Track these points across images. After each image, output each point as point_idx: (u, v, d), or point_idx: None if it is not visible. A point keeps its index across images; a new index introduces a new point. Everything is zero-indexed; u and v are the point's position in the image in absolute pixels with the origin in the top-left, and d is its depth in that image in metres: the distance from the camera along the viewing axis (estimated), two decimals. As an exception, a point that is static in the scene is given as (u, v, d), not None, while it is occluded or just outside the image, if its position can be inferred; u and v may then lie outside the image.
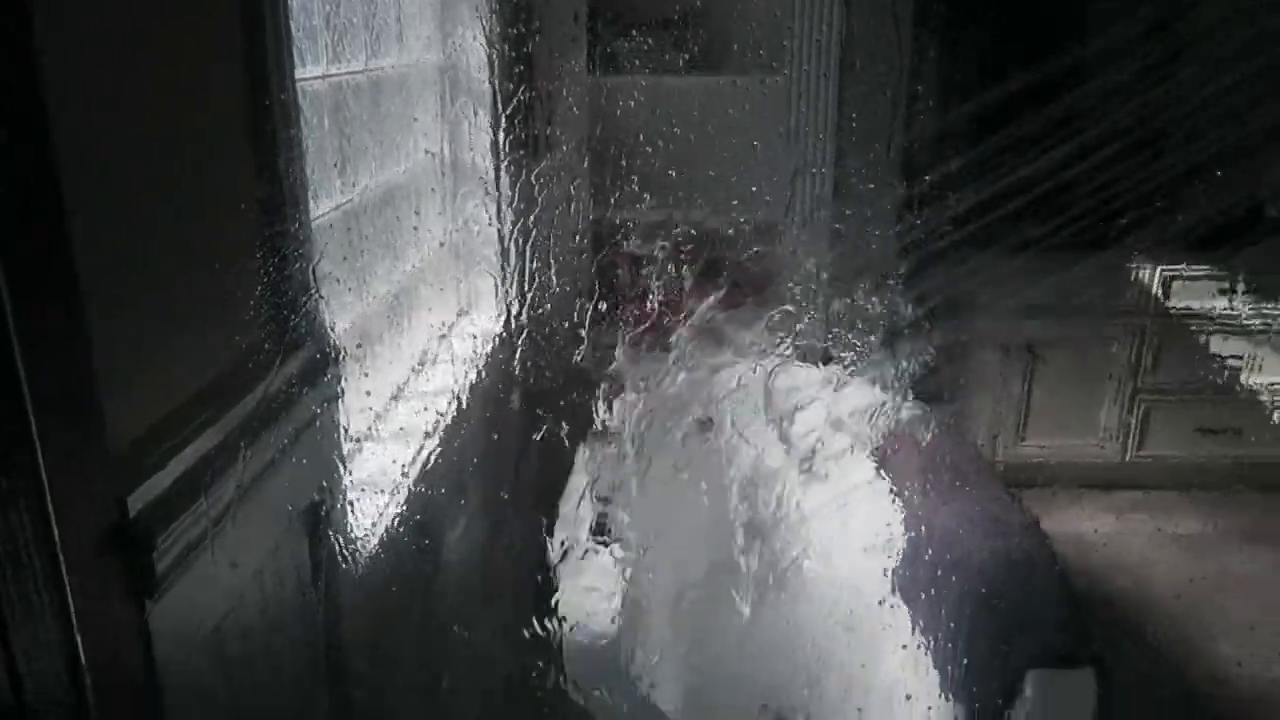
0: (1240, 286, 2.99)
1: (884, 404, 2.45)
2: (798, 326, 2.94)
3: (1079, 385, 3.11)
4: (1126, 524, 2.95)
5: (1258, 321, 3.02)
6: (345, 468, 1.45)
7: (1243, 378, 3.08)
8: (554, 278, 2.74)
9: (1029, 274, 3.08)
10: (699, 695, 1.99)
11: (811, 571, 2.33)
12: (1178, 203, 3.14)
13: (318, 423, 1.28)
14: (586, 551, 1.87)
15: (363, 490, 1.70)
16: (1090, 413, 3.12)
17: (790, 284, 2.98)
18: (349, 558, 1.45)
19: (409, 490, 1.74)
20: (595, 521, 1.92)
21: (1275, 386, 3.09)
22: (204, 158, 1.08)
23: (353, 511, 1.51)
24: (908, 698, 1.75)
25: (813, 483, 2.35)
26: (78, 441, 0.78)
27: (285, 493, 1.17)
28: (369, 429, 1.90)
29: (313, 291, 1.32)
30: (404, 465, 1.80)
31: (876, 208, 2.94)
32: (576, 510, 2.02)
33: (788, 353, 2.89)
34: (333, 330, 1.44)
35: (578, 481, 2.13)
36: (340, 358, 1.39)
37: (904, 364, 2.75)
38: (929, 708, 1.69)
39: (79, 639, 0.77)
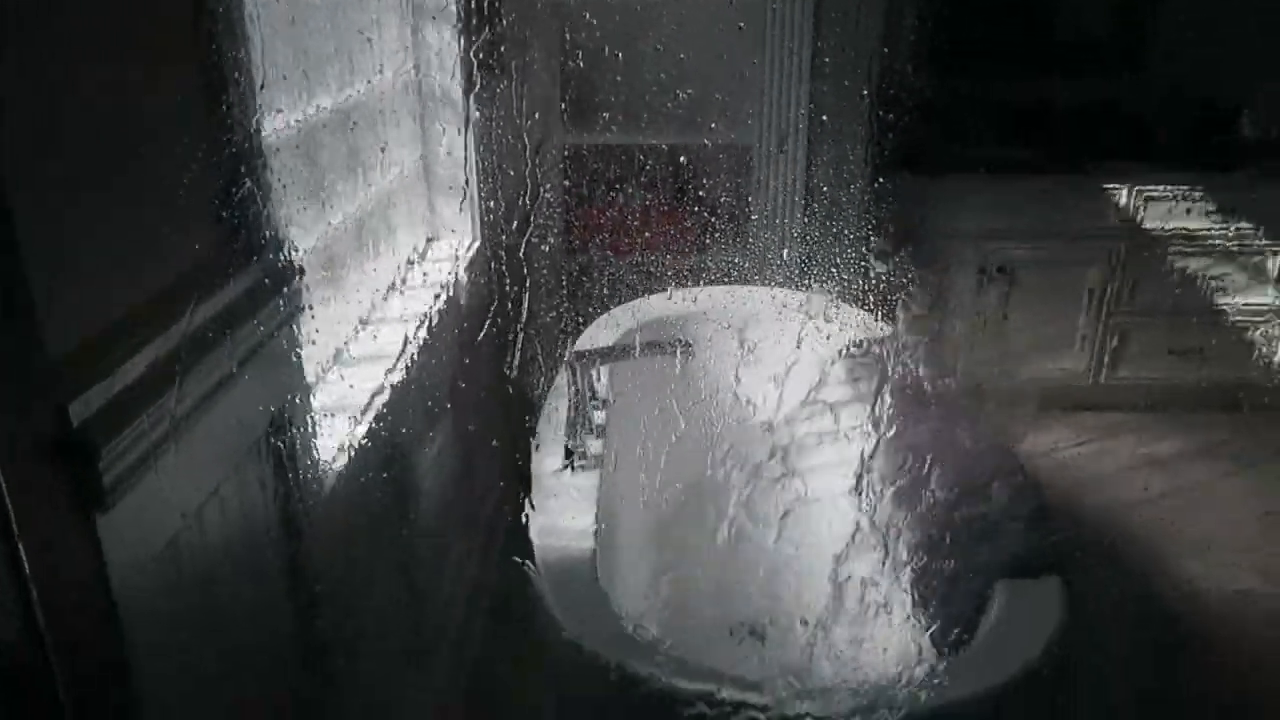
0: (1214, 207, 2.98)
1: (860, 326, 2.44)
2: (774, 249, 2.91)
3: (1055, 308, 3.11)
4: (1101, 444, 2.98)
5: (1232, 243, 3.02)
6: (308, 388, 1.42)
7: (1216, 299, 3.09)
8: (526, 201, 2.69)
9: (1004, 196, 3.06)
10: (677, 614, 2.00)
11: (789, 492, 2.34)
12: (1153, 122, 3.12)
13: (277, 340, 1.24)
14: (563, 474, 1.86)
15: (330, 412, 1.67)
16: (1066, 335, 3.13)
17: (766, 206, 2.95)
18: (314, 479, 1.43)
19: (378, 414, 1.72)
20: (572, 445, 1.91)
21: (1247, 307, 3.10)
22: (147, 59, 1.02)
23: (319, 432, 1.48)
24: (882, 608, 1.77)
25: (787, 407, 2.35)
26: (11, 346, 0.75)
27: (244, 409, 1.14)
28: (336, 351, 1.87)
29: (266, 207, 1.27)
30: (373, 390, 1.78)
31: (851, 129, 2.89)
32: (554, 433, 2.01)
33: (765, 276, 2.87)
34: (291, 248, 1.40)
35: (555, 404, 2.11)
36: (298, 276, 1.35)
37: (879, 287, 2.74)
38: (903, 618, 1.71)
39: (21, 550, 0.74)
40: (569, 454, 1.88)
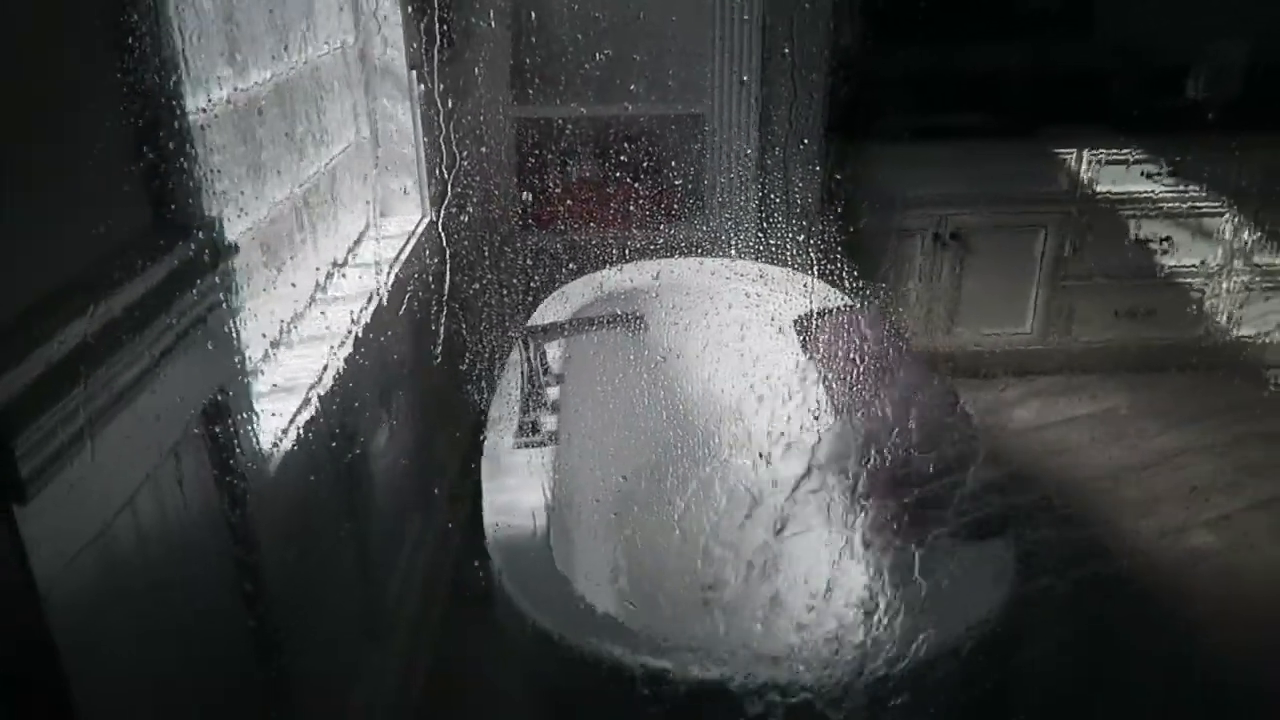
0: (1161, 169, 3.01)
1: (814, 294, 2.44)
2: (728, 220, 2.89)
3: (1007, 273, 3.14)
4: (1053, 406, 3.02)
5: (1179, 205, 3.06)
6: (247, 371, 1.38)
7: (1164, 260, 3.13)
8: (475, 175, 2.65)
9: (957, 162, 3.07)
10: (638, 586, 2.00)
11: (743, 462, 2.34)
12: (1102, 85, 3.13)
13: (210, 323, 1.21)
14: (516, 450, 1.84)
15: (274, 395, 1.64)
16: (1018, 300, 3.16)
17: (720, 177, 2.93)
18: (257, 464, 1.39)
19: (324, 395, 1.69)
20: (527, 421, 1.89)
21: (1193, 268, 3.15)
22: (52, 27, 0.97)
23: (262, 416, 1.45)
24: (837, 571, 1.78)
25: (744, 375, 2.35)
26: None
27: (175, 394, 1.10)
28: (281, 332, 1.82)
29: (193, 185, 1.23)
30: (318, 370, 1.74)
31: (804, 97, 2.88)
32: (508, 410, 1.98)
33: (721, 247, 2.86)
34: (223, 227, 1.35)
35: (510, 381, 2.08)
36: (231, 256, 1.31)
37: (833, 255, 2.73)
38: (859, 582, 1.72)
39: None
40: (522, 430, 1.85)
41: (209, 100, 1.54)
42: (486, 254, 2.64)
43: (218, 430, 1.24)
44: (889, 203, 2.99)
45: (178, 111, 1.21)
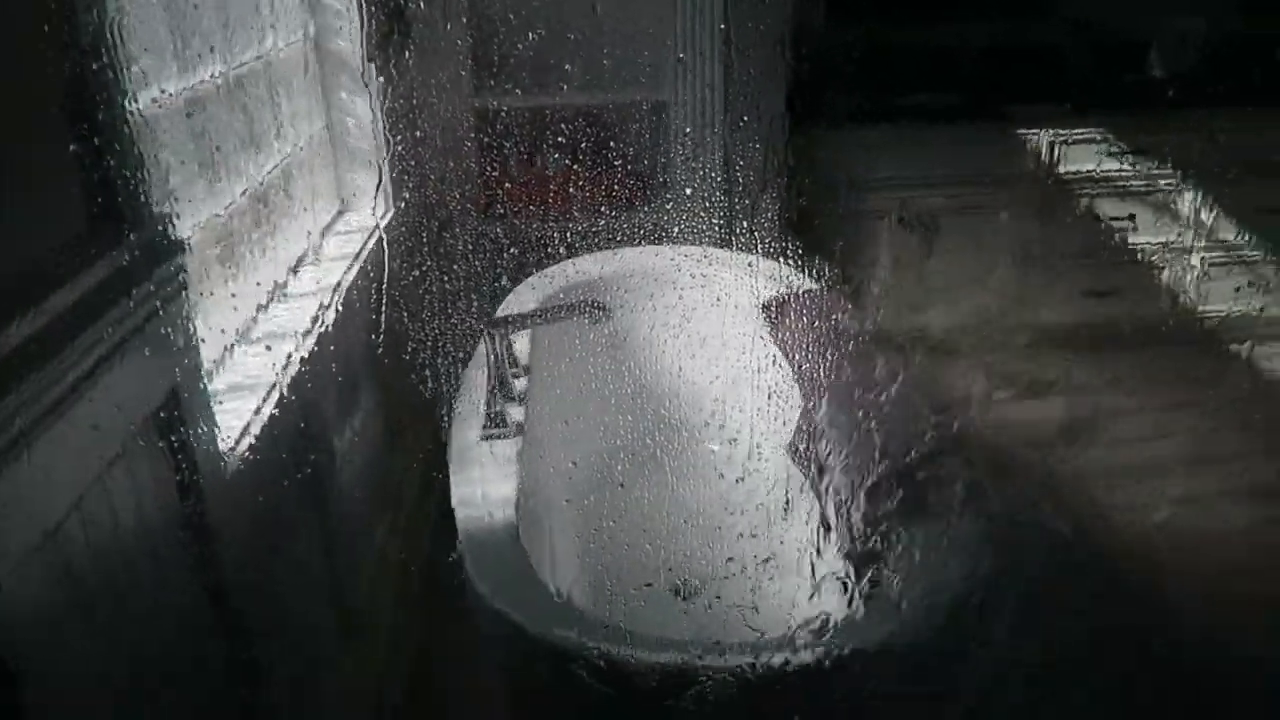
0: (1125, 148, 3.04)
1: (782, 280, 2.44)
2: (693, 206, 2.88)
3: (975, 254, 3.14)
4: (1019, 385, 3.04)
5: (1143, 183, 3.08)
6: (203, 369, 1.36)
7: (1129, 239, 3.16)
8: (437, 167, 2.63)
9: (924, 145, 3.07)
10: (605, 576, 2.00)
11: (710, 448, 2.34)
12: (1064, 65, 3.14)
13: (161, 320, 1.19)
14: (483, 443, 1.83)
15: (232, 394, 1.62)
16: (985, 280, 3.17)
17: (684, 161, 2.92)
18: (217, 463, 1.38)
19: (286, 393, 1.67)
20: (493, 413, 1.88)
21: (1159, 246, 3.18)
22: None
23: (217, 416, 1.43)
24: (807, 557, 1.78)
25: (711, 363, 2.35)
26: None
27: (124, 393, 1.08)
28: (240, 329, 1.80)
29: (142, 180, 1.20)
30: (279, 367, 1.72)
31: (768, 81, 2.87)
32: (474, 404, 1.97)
33: (688, 234, 2.85)
34: (174, 224, 1.33)
35: (476, 373, 2.07)
36: (183, 252, 1.29)
37: (800, 240, 2.73)
38: (824, 567, 1.72)
39: None
40: (489, 422, 1.84)
41: (156, 95, 1.52)
42: (452, 246, 2.62)
43: (171, 432, 1.22)
44: (854, 186, 3.00)
45: (118, 107, 1.19)
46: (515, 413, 1.91)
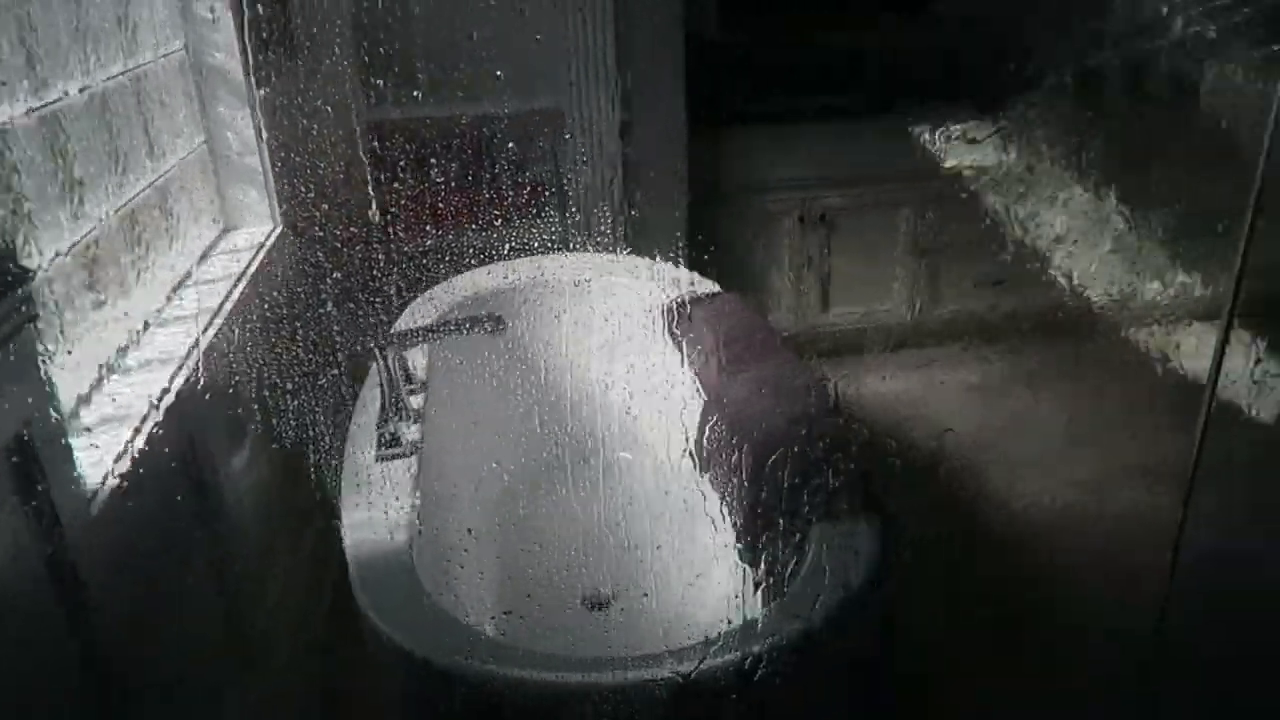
0: (1007, 141, 3.12)
1: (682, 283, 2.43)
2: (593, 214, 2.86)
3: (873, 251, 3.20)
4: (923, 378, 3.10)
5: (1027, 174, 3.17)
6: (57, 403, 1.28)
7: (1016, 230, 3.25)
8: (325, 181, 2.55)
9: (819, 144, 3.11)
10: (510, 595, 1.96)
11: (613, 456, 2.32)
12: (949, 63, 3.22)
13: (7, 354, 1.11)
14: (378, 464, 1.77)
15: (104, 426, 1.53)
16: (884, 277, 3.22)
17: (583, 168, 2.89)
18: (80, 504, 1.29)
19: (162, 420, 1.58)
20: (386, 433, 1.82)
21: (1045, 236, 3.27)
22: None
23: (82, 452, 1.35)
24: (713, 562, 1.77)
25: (617, 368, 2.33)
26: None
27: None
28: (111, 358, 1.71)
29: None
30: (155, 396, 1.64)
31: (663, 85, 2.87)
32: (368, 424, 1.91)
33: (587, 241, 2.82)
34: (28, 248, 1.25)
35: (370, 394, 2.01)
36: (34, 276, 1.21)
37: (699, 243, 2.74)
38: (731, 569, 1.71)
39: None
40: (382, 443, 1.79)
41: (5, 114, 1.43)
42: (343, 262, 2.54)
43: (22, 474, 1.14)
44: (752, 188, 3.02)
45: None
46: (412, 431, 1.85)
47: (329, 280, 2.35)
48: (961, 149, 3.17)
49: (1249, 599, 1.84)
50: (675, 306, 2.28)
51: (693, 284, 2.41)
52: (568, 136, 2.86)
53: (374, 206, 2.82)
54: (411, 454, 1.78)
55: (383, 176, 2.89)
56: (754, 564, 1.66)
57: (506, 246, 2.67)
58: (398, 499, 1.62)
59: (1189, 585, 2.26)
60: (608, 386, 2.27)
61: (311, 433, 1.92)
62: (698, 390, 2.09)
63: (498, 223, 2.84)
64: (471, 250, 2.68)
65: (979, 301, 3.30)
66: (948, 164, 3.16)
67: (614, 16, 2.78)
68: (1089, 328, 3.41)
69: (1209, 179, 3.17)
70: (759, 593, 1.65)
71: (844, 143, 3.09)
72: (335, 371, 2.05)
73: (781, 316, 3.20)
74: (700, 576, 1.88)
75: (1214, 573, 2.13)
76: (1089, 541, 2.36)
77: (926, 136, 3.14)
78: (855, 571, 1.49)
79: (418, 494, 1.71)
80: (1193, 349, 3.30)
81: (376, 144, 2.82)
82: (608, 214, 2.81)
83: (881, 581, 1.50)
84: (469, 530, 2.00)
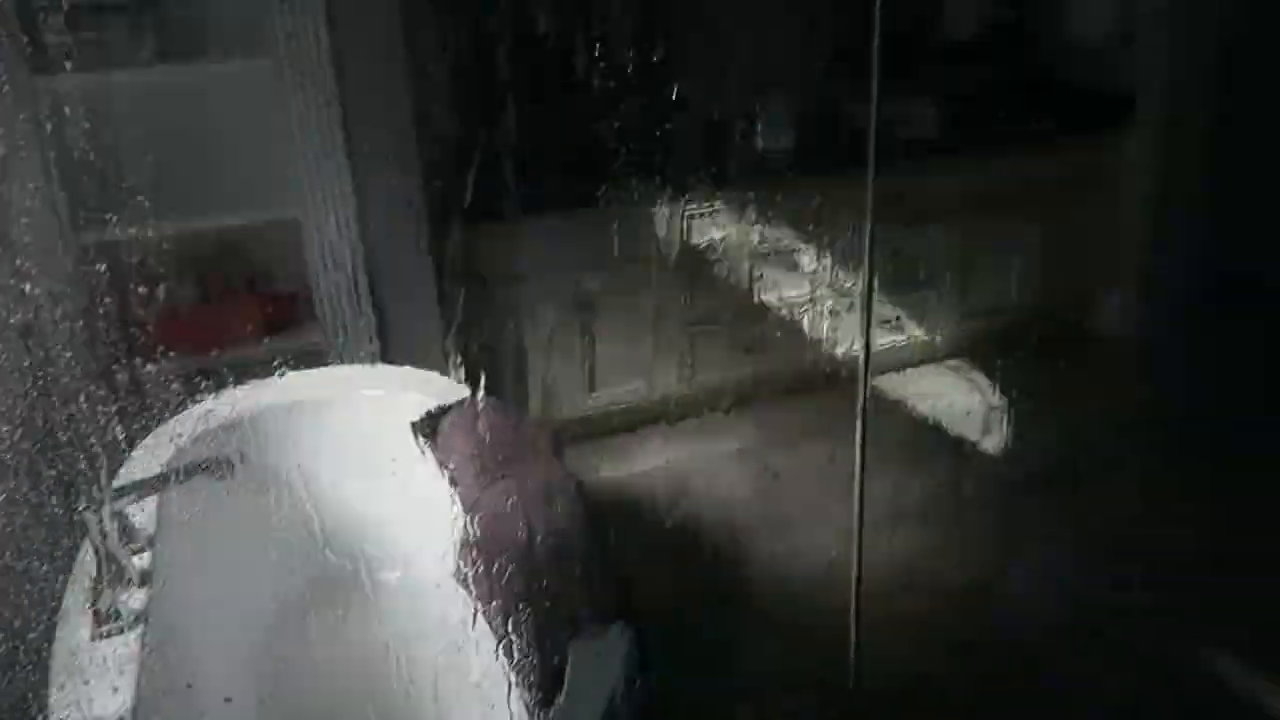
0: (746, 215, 3.32)
1: (437, 390, 2.38)
2: (340, 325, 2.77)
3: (634, 329, 3.28)
4: (691, 450, 3.19)
5: (763, 245, 3.38)
6: None
7: (765, 297, 3.44)
8: (37, 312, 2.33)
9: (569, 231, 3.17)
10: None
11: (388, 577, 2.23)
12: (685, 147, 3.38)
13: None
14: (95, 644, 1.59)
15: None
16: (647, 353, 3.31)
17: (326, 278, 2.80)
18: None
19: None
20: (105, 606, 1.64)
21: (791, 300, 3.49)
22: None
23: None
24: (477, 686, 1.71)
25: (374, 488, 2.24)
26: None
27: None
28: None
29: None
30: None
31: (401, 185, 2.83)
32: (84, 596, 1.72)
33: (334, 354, 2.73)
34: None
35: (87, 560, 1.82)
36: None
37: (456, 344, 2.71)
38: (496, 692, 1.67)
39: None
40: (100, 618, 1.61)
41: None
42: (59, 406, 2.32)
43: None
44: (504, 281, 3.03)
45: None
46: (137, 598, 1.69)
47: (36, 429, 2.12)
48: (708, 225, 3.34)
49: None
50: (427, 417, 2.22)
51: (447, 389, 2.37)
52: (308, 246, 2.76)
53: (95, 337, 2.60)
54: (135, 626, 1.62)
55: (105, 303, 2.68)
56: (522, 684, 1.62)
57: (250, 367, 2.52)
58: (115, 686, 1.46)
59: (942, 624, 2.43)
60: (364, 508, 2.18)
61: (15, 623, 1.71)
62: (456, 503, 2.05)
63: (239, 342, 2.69)
64: (211, 375, 2.51)
65: (738, 369, 3.45)
66: (695, 241, 3.31)
67: (341, 119, 2.73)
68: (838, 383, 3.65)
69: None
70: (534, 710, 1.61)
71: (598, 227, 3.16)
72: (45, 540, 1.85)
73: (548, 405, 3.20)
74: (473, 697, 1.82)
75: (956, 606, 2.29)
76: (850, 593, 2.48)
77: (673, 216, 3.27)
78: (615, 684, 1.48)
79: (145, 667, 1.55)
80: (925, 391, 3.60)
81: (95, 267, 2.61)
82: (355, 323, 2.73)
83: (641, 688, 1.50)
84: (226, 699, 1.84)
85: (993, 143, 3.65)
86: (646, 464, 3.16)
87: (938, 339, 3.76)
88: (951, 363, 3.78)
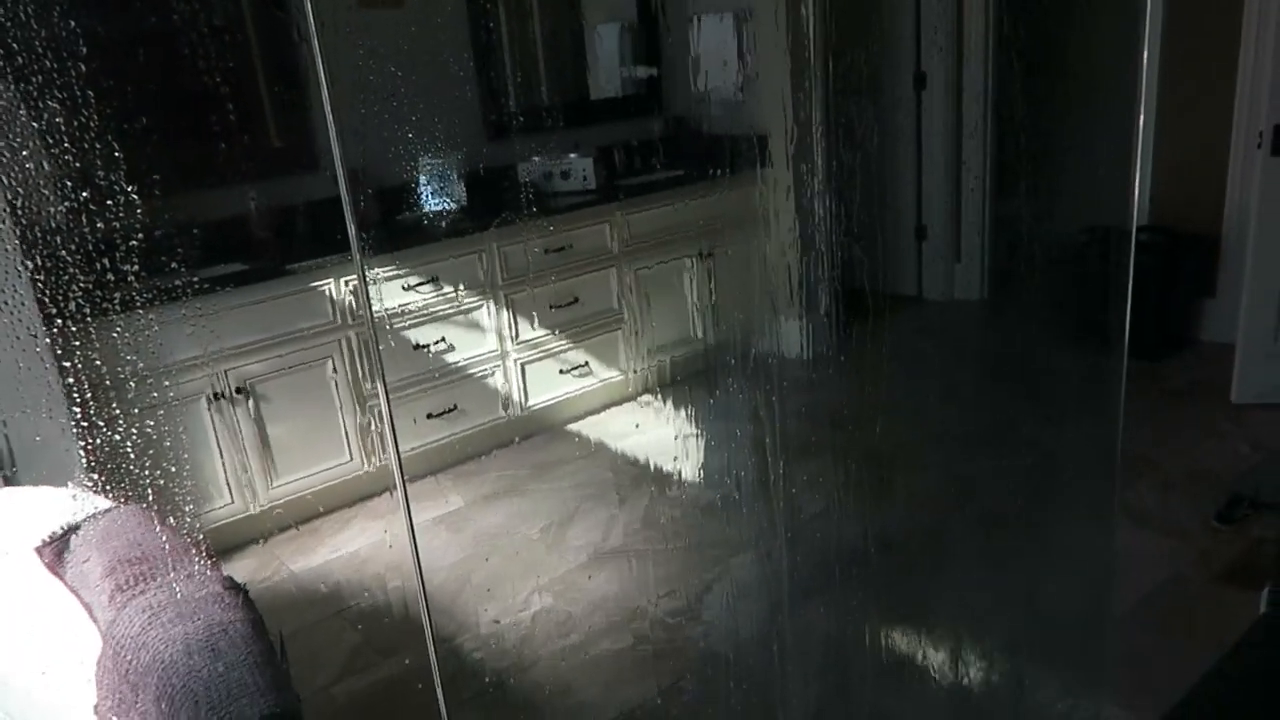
0: (421, 279, 3.25)
1: (64, 508, 2.09)
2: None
3: (307, 410, 3.09)
4: (392, 524, 3.04)
5: (447, 308, 3.32)
6: None
7: (452, 358, 3.38)
8: None
9: (222, 315, 2.94)
10: None
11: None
12: (340, 216, 3.26)
13: None
14: None
15: None
16: (326, 432, 3.13)
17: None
18: None
19: None
20: None
21: (480, 357, 3.46)
22: None
23: None
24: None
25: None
26: None
27: None
28: None
29: None
30: None
31: (10, 284, 2.50)
32: None
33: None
34: None
35: None
36: None
37: (98, 451, 2.42)
38: None
39: None
40: None
41: None
42: None
43: None
44: (151, 374, 2.74)
45: None
46: None
47: None
48: (395, 292, 3.23)
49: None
50: (52, 538, 1.94)
51: (79, 506, 2.08)
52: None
53: None
54: None
55: None
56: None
57: None
58: None
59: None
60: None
61: None
62: (92, 630, 1.79)
63: None
64: None
65: (434, 432, 3.36)
66: (365, 309, 3.19)
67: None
68: (541, 428, 3.66)
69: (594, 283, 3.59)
70: None
71: (249, 309, 2.95)
72: None
73: (223, 502, 2.93)
74: None
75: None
76: (570, 639, 2.45)
77: (334, 287, 3.14)
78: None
79: None
80: (618, 430, 3.70)
81: None
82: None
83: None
84: None
85: (650, 189, 3.86)
86: (340, 549, 2.97)
87: (630, 376, 3.89)
88: (644, 398, 3.92)
